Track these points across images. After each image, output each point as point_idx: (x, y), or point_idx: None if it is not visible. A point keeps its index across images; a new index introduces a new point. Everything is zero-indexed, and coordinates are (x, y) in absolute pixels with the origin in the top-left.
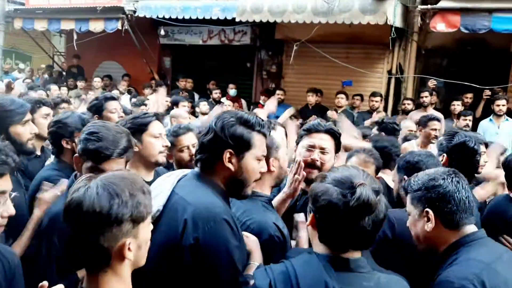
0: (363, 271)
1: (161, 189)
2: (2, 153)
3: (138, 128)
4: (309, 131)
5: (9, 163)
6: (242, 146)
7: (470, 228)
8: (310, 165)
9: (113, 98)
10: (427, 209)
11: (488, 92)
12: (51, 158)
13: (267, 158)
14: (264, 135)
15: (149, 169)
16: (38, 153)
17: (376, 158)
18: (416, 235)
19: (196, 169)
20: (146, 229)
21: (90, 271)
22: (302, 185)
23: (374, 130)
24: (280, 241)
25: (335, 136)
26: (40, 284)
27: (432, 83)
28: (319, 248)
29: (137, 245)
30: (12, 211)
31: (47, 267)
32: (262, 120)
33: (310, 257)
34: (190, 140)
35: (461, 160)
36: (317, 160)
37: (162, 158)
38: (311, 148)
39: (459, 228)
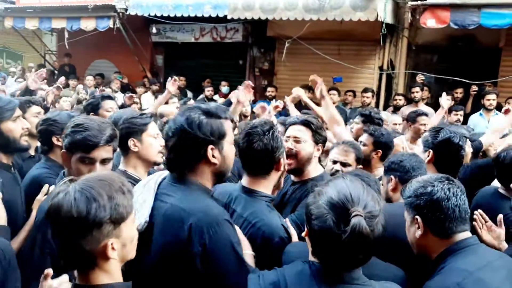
0: (357, 283)
1: (144, 198)
2: None
3: (138, 128)
4: (288, 125)
5: None
6: (219, 137)
7: (461, 236)
8: (289, 154)
9: (110, 98)
10: (416, 216)
11: (475, 88)
12: None
13: (279, 158)
14: (229, 119)
15: (147, 169)
16: (32, 153)
17: (356, 148)
18: (410, 241)
19: (173, 173)
20: (129, 227)
21: (79, 269)
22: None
23: (357, 120)
24: (289, 242)
25: (310, 127)
26: (46, 271)
27: (420, 78)
28: (314, 260)
29: (121, 243)
30: (3, 215)
31: (42, 263)
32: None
33: (303, 267)
34: None
35: (447, 156)
36: (292, 149)
37: (160, 158)
38: (287, 139)
39: (448, 237)
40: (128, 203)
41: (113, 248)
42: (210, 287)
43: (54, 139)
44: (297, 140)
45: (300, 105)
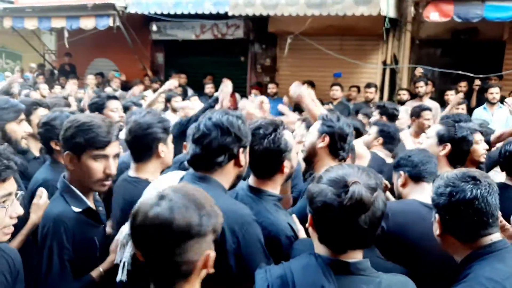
0: (363, 274)
1: None
2: (3, 157)
3: (166, 131)
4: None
5: (11, 167)
6: (246, 141)
7: (488, 239)
8: None
9: (115, 98)
10: (436, 214)
11: (477, 83)
12: None
13: (282, 162)
14: None
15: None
16: (37, 154)
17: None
18: (437, 239)
19: (196, 172)
20: None
21: (165, 282)
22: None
23: (375, 113)
24: (295, 240)
25: None
26: None
27: (418, 71)
28: (320, 249)
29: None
30: (20, 211)
31: (62, 271)
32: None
33: (309, 259)
34: None
35: (461, 151)
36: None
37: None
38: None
39: (472, 241)
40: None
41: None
42: (239, 285)
43: (52, 144)
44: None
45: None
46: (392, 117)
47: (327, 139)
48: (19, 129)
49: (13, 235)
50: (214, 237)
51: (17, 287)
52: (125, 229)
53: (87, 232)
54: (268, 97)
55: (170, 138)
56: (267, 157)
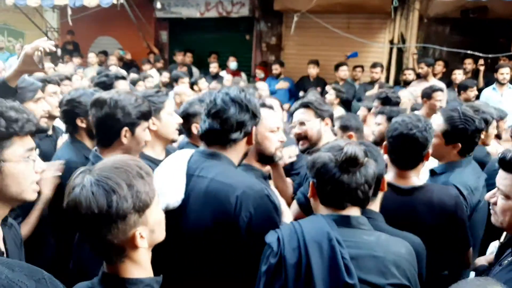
0: (364, 228)
1: (174, 175)
2: (23, 111)
3: (157, 106)
4: (292, 112)
5: (31, 120)
6: (259, 119)
7: None
8: (300, 138)
9: (123, 78)
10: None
11: (481, 62)
12: (63, 137)
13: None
14: None
15: (164, 147)
16: (50, 132)
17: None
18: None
19: (208, 148)
20: (154, 211)
21: (107, 261)
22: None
23: (376, 104)
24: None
25: (310, 106)
26: None
27: (413, 52)
28: (323, 211)
29: (149, 230)
30: (44, 165)
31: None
32: None
33: (315, 216)
34: None
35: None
36: (300, 133)
37: (177, 135)
38: (294, 125)
39: None
40: (149, 187)
41: (141, 237)
42: (250, 255)
43: (78, 121)
44: (302, 123)
45: (304, 83)
46: (396, 105)
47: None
48: (37, 108)
49: (24, 213)
50: (141, 215)
51: (22, 252)
52: None
53: None
54: (273, 77)
55: (164, 111)
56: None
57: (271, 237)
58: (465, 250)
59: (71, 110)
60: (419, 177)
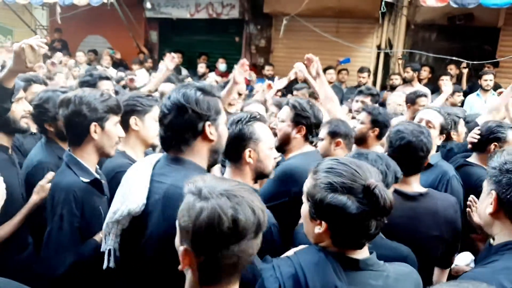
0: (371, 269)
1: (138, 180)
2: None
3: (143, 107)
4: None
5: None
6: (216, 114)
7: None
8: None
9: (107, 78)
10: (492, 191)
11: (464, 65)
12: None
13: (243, 149)
14: (221, 98)
15: (143, 150)
16: (34, 130)
17: (332, 123)
18: (479, 212)
19: (169, 153)
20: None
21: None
22: None
23: (361, 98)
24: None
25: (293, 108)
26: None
27: (398, 57)
28: (327, 242)
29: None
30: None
31: (74, 236)
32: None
33: (319, 257)
34: None
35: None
36: (274, 128)
37: (158, 141)
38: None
39: None
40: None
41: None
42: None
43: (46, 126)
44: (281, 120)
45: (292, 82)
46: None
47: (303, 130)
48: (17, 109)
49: (7, 216)
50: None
51: None
52: (107, 218)
53: (94, 201)
54: (263, 79)
55: (149, 115)
56: (229, 142)
57: (271, 284)
58: (449, 265)
59: (38, 116)
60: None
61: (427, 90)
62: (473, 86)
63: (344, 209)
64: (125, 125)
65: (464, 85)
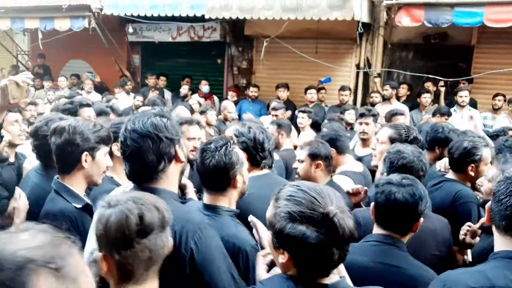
0: None
1: None
2: None
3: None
4: None
5: None
6: (179, 136)
7: None
8: None
9: (88, 105)
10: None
11: (441, 83)
12: (27, 163)
13: (234, 176)
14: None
15: None
16: (12, 160)
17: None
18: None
19: (141, 185)
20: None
21: None
22: None
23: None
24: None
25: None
26: None
27: (375, 74)
28: (293, 271)
29: None
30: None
31: None
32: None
33: (287, 286)
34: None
35: None
36: None
37: None
38: None
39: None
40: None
41: None
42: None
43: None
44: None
45: (287, 103)
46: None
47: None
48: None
49: None
50: None
51: None
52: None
53: (88, 226)
54: (248, 99)
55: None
56: (219, 170)
57: None
58: None
59: (45, 148)
60: None
61: (405, 108)
62: (450, 102)
63: (303, 240)
64: (109, 152)
65: (442, 102)
